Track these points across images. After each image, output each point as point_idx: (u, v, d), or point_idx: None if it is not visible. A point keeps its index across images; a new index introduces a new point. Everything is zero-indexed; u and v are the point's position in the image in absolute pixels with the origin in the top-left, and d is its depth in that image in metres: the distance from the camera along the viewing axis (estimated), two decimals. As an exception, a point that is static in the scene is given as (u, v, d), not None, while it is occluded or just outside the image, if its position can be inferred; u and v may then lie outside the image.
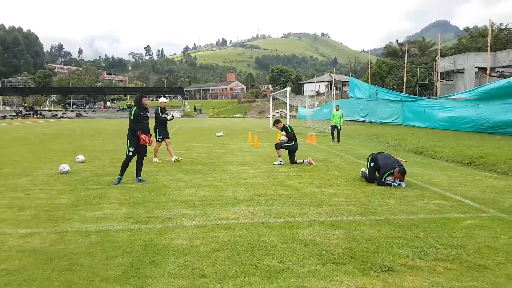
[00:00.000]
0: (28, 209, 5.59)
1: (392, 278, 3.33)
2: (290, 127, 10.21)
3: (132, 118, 7.47)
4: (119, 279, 3.32)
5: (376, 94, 34.92)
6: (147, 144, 7.65)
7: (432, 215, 5.27)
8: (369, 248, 4.00)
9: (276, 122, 10.55)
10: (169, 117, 10.81)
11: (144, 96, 7.77)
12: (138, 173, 7.75)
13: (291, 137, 10.10)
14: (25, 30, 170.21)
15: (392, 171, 7.12)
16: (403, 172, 7.10)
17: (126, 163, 7.54)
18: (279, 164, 10.01)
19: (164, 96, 11.99)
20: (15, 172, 8.84)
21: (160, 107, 10.66)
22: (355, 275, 3.38)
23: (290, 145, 10.13)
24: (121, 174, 7.56)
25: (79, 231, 4.58)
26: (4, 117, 63.66)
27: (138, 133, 7.44)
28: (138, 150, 7.61)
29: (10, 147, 14.86)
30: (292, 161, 10.13)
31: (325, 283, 3.23)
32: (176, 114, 11.19)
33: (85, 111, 73.65)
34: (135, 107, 7.61)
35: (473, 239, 4.28)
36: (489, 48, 27.84)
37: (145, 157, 7.86)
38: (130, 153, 7.46)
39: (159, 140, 10.66)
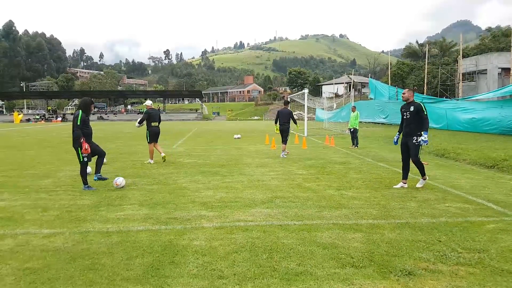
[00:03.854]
0: (52, 210, 5.73)
1: (413, 282, 3.28)
2: (282, 113, 12.13)
3: (78, 123, 7.11)
4: (139, 279, 3.37)
5: (396, 96, 34.43)
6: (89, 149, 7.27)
7: (454, 218, 5.16)
8: (389, 252, 3.95)
9: (285, 103, 12.74)
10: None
11: (93, 102, 7.42)
12: (98, 170, 7.79)
13: (275, 120, 12.35)
14: (48, 35, 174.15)
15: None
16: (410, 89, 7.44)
17: (84, 171, 7.27)
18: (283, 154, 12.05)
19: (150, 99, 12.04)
20: (39, 174, 9.09)
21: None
22: (375, 279, 3.34)
23: (281, 129, 12.21)
24: (86, 183, 7.25)
25: (101, 232, 4.68)
26: (28, 120, 65.45)
27: (82, 140, 7.08)
28: (94, 152, 7.50)
29: (34, 150, 15.27)
30: (284, 141, 12.27)
31: (344, 287, 3.21)
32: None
33: (106, 114, 75.01)
34: (81, 112, 7.21)
35: (496, 243, 4.17)
36: (513, 48, 27.12)
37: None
38: (85, 159, 7.18)
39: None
